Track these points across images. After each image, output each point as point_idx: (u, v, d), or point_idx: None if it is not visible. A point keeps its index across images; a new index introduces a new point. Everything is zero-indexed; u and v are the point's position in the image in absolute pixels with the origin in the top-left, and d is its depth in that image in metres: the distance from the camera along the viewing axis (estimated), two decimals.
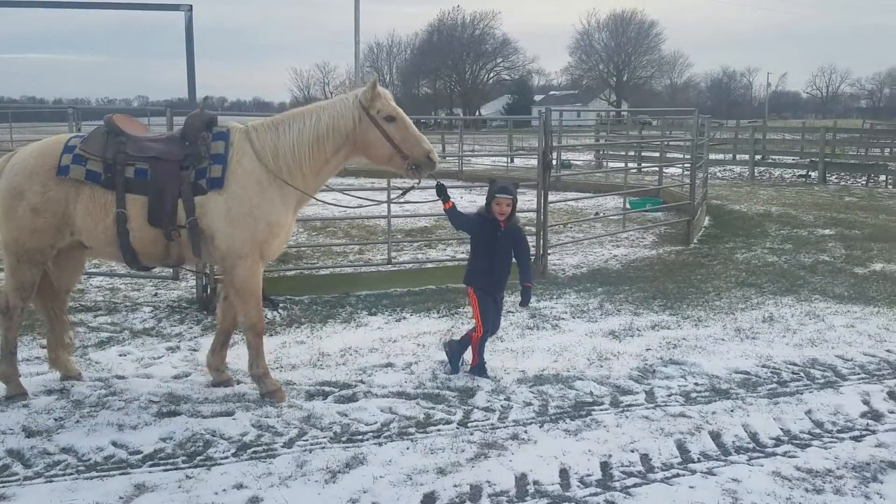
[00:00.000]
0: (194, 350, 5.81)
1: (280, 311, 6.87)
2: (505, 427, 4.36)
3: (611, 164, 22.27)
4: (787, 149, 28.66)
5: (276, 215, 4.74)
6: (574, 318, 6.80)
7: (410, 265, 8.89)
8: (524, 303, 5.38)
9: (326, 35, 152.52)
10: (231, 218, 4.61)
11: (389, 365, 5.41)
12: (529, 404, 4.71)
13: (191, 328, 6.43)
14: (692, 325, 6.60)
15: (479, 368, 5.23)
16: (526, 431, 4.30)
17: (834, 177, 22.85)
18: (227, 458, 3.98)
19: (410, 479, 3.72)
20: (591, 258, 9.81)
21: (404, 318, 6.75)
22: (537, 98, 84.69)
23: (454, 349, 5.31)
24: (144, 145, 4.68)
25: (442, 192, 5.28)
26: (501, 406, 4.68)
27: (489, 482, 3.69)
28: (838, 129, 28.31)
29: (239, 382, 5.06)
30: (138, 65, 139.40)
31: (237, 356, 5.33)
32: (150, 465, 3.91)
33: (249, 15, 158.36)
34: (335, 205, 6.02)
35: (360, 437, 4.22)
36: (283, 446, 4.11)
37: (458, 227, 5.47)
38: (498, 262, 5.24)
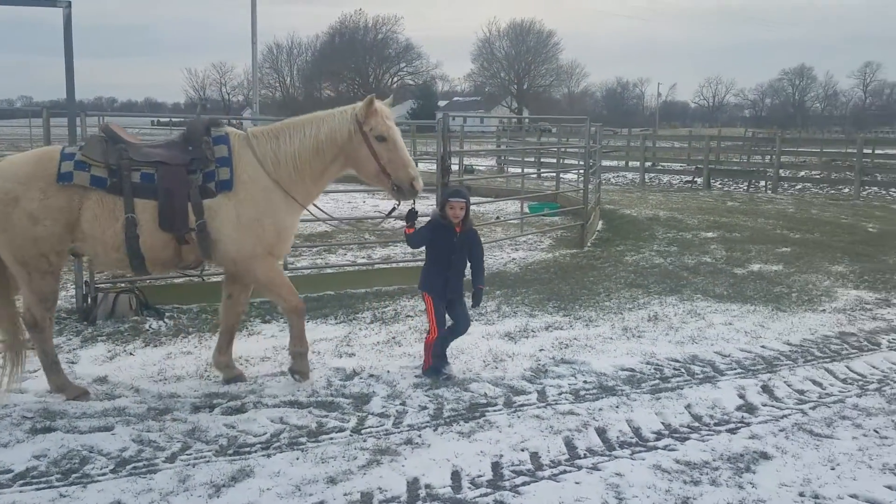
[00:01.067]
0: (73, 363, 5.49)
1: (166, 320, 6.60)
2: (399, 432, 4.35)
3: (511, 170, 22.70)
4: (676, 156, 30.13)
5: (283, 220, 4.91)
6: (472, 320, 6.85)
7: (309, 270, 8.74)
8: (475, 304, 5.44)
9: (223, 35, 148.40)
10: (240, 223, 4.74)
11: (282, 374, 5.29)
12: (425, 408, 4.71)
13: (69, 339, 6.07)
14: (583, 325, 6.80)
15: (432, 370, 5.27)
16: (420, 436, 4.30)
17: (718, 183, 24.14)
18: (104, 474, 3.78)
19: (299, 489, 3.64)
20: (490, 261, 9.94)
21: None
22: (441, 103, 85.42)
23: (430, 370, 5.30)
24: (147, 151, 4.76)
25: (411, 218, 5.29)
26: (397, 411, 4.66)
27: (381, 489, 3.66)
28: (722, 138, 30.03)
29: (119, 396, 4.82)
30: (18, 64, 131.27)
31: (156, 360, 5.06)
32: (22, 485, 3.67)
33: (141, 12, 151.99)
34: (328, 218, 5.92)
35: (247, 449, 4.10)
36: (165, 461, 3.94)
37: (416, 246, 5.48)
38: (455, 267, 5.30)
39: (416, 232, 5.32)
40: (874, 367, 5.69)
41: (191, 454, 4.02)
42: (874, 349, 6.15)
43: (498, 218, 13.86)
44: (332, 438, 4.25)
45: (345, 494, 3.59)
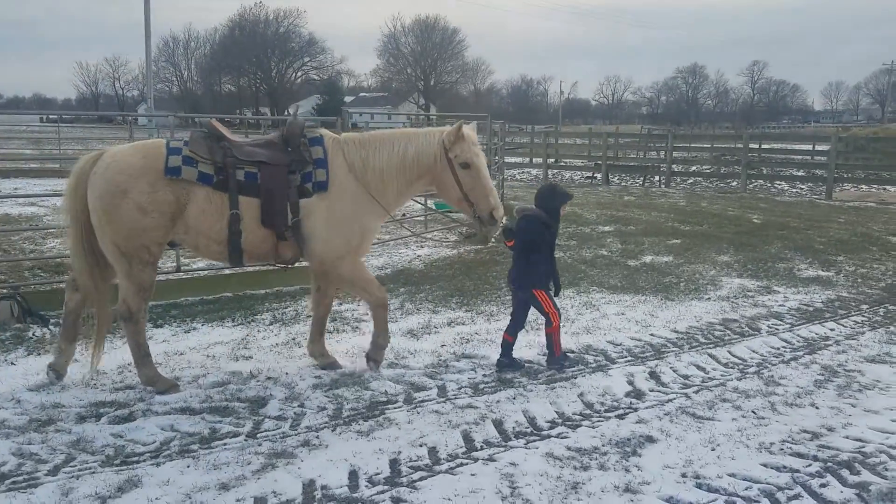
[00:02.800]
0: None
1: (51, 327, 6.26)
2: (297, 434, 4.29)
3: None
4: (577, 153, 30.98)
5: (368, 223, 5.15)
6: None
7: (205, 272, 8.49)
8: (557, 292, 5.71)
9: (116, 28, 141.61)
10: (332, 222, 4.97)
11: (175, 379, 5.12)
12: (324, 409, 4.67)
13: None
14: (485, 319, 6.91)
15: (563, 357, 5.59)
16: (318, 437, 4.26)
17: (616, 178, 25.03)
18: None
19: (189, 497, 3.54)
20: (395, 259, 9.96)
21: (195, 328, 6.43)
22: (348, 99, 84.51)
23: (562, 358, 5.58)
24: (249, 150, 4.91)
25: (509, 234, 5.56)
26: (294, 413, 4.60)
27: (275, 492, 3.61)
28: (620, 135, 31.15)
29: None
30: None
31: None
32: None
33: (28, 5, 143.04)
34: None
35: (135, 458, 3.95)
36: (47, 474, 3.75)
37: (534, 251, 5.50)
38: (553, 258, 5.67)
39: (522, 236, 5.46)
40: (754, 351, 6.05)
41: (75, 466, 3.84)
42: (755, 334, 6.53)
43: (404, 215, 13.85)
44: (225, 444, 4.15)
45: (237, 500, 3.52)
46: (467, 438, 4.29)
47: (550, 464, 3.99)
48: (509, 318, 5.77)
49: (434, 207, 13.99)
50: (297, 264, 5.34)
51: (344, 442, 4.19)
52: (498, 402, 4.87)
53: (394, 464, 3.94)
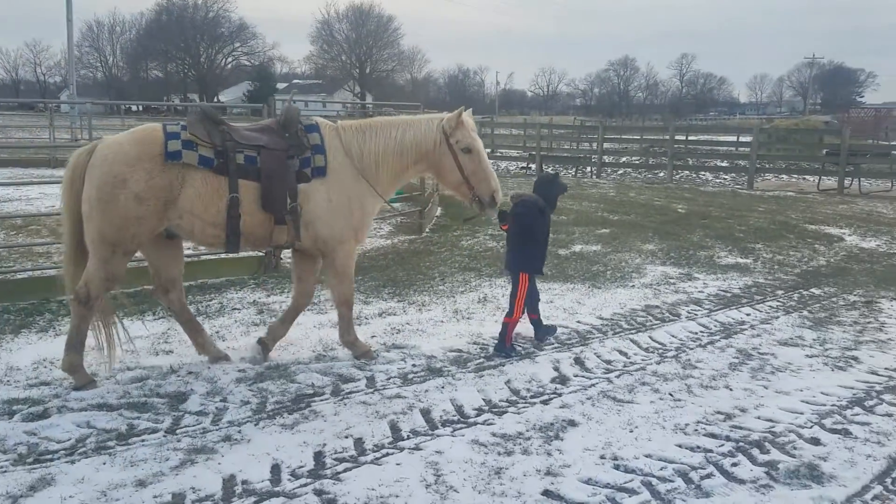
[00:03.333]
0: None
1: None
2: (218, 429, 4.22)
3: None
4: (513, 143, 31.27)
5: (367, 206, 5.26)
6: (303, 310, 6.77)
7: (131, 263, 8.22)
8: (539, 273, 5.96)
9: (36, 11, 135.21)
10: (332, 206, 5.06)
11: (92, 375, 4.96)
12: (247, 403, 4.61)
13: None
14: (416, 309, 6.93)
15: (511, 349, 5.70)
16: (240, 431, 4.19)
17: (550, 168, 25.35)
18: None
19: (105, 495, 3.45)
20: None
21: (114, 322, 6.21)
22: (281, 86, 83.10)
23: (507, 349, 5.67)
24: (248, 135, 4.96)
25: (504, 218, 5.78)
26: (216, 408, 4.52)
27: (194, 488, 3.55)
28: (554, 126, 31.55)
29: None
30: None
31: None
32: None
33: None
34: None
35: (49, 456, 3.82)
36: None
37: (528, 236, 5.73)
38: (546, 243, 5.93)
39: (518, 220, 5.68)
40: (674, 336, 6.25)
41: None
42: (675, 319, 6.74)
43: None
44: (143, 440, 4.05)
45: (154, 497, 3.45)
46: (394, 428, 4.30)
47: (475, 450, 4.04)
48: (434, 308, 5.81)
49: None
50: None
51: (267, 436, 4.14)
52: (426, 391, 4.90)
53: (318, 456, 3.92)
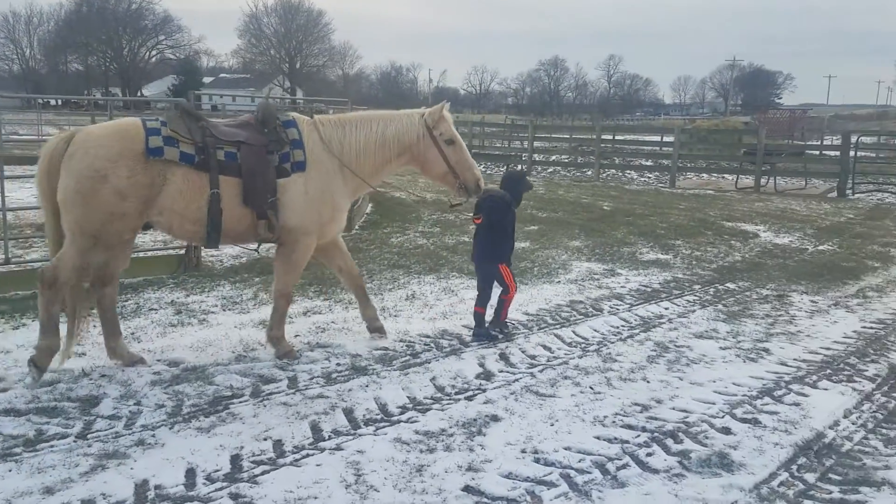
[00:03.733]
0: None
1: None
2: (131, 434, 4.07)
3: None
4: None
5: (340, 200, 5.37)
6: (225, 310, 6.63)
7: (38, 264, 7.86)
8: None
9: None
10: (308, 199, 5.12)
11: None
12: (162, 406, 4.46)
13: None
14: (343, 308, 6.86)
15: (504, 323, 6.20)
16: (154, 435, 4.06)
17: (482, 166, 25.47)
18: None
19: (9, 503, 3.29)
20: (252, 247, 9.65)
21: (24, 324, 5.93)
22: (207, 80, 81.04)
23: (504, 324, 6.19)
24: (227, 131, 4.99)
25: (479, 210, 6.00)
26: (130, 412, 4.36)
27: (104, 494, 3.42)
28: (486, 124, 31.79)
29: None
30: None
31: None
32: None
33: None
34: None
35: None
36: None
37: (499, 229, 6.05)
38: (513, 236, 6.24)
39: (489, 215, 5.95)
40: (596, 330, 6.38)
41: None
42: (597, 314, 6.89)
43: None
44: (52, 446, 3.88)
45: None
46: (315, 429, 4.25)
47: (398, 449, 4.02)
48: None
49: None
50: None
51: (182, 439, 4.02)
52: (350, 390, 4.85)
53: (235, 459, 3.83)
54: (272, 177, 4.98)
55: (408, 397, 4.78)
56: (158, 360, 5.20)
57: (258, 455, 3.89)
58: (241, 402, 4.58)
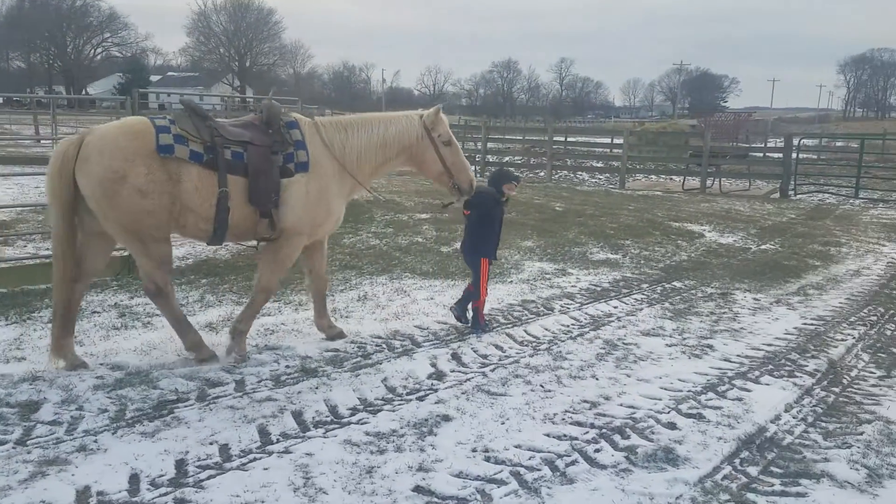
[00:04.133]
0: None
1: None
2: (72, 439, 3.96)
3: None
4: None
5: (336, 203, 5.49)
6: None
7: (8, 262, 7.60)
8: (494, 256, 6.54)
9: None
10: (308, 199, 5.22)
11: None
12: (105, 411, 4.34)
13: None
14: (292, 309, 6.78)
15: (486, 325, 6.34)
16: (96, 441, 3.95)
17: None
18: None
19: None
20: (199, 249, 9.46)
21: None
22: (154, 78, 79.29)
23: (482, 327, 6.29)
24: (233, 131, 5.07)
25: (469, 206, 6.18)
26: (71, 417, 4.24)
27: (44, 501, 3.32)
28: None
29: None
30: None
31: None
32: None
33: None
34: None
35: None
36: None
37: (478, 221, 6.28)
38: (499, 231, 6.42)
39: (477, 209, 6.19)
40: (547, 329, 6.44)
41: None
42: (548, 313, 6.96)
43: None
44: None
45: None
46: (263, 432, 4.19)
47: (348, 450, 4.00)
48: (311, 307, 5.92)
49: None
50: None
51: (126, 445, 3.92)
52: (299, 392, 4.80)
53: (180, 464, 3.75)
54: (276, 177, 5.08)
55: (358, 398, 4.75)
56: (101, 364, 5.07)
57: (204, 460, 3.82)
58: (186, 407, 4.49)
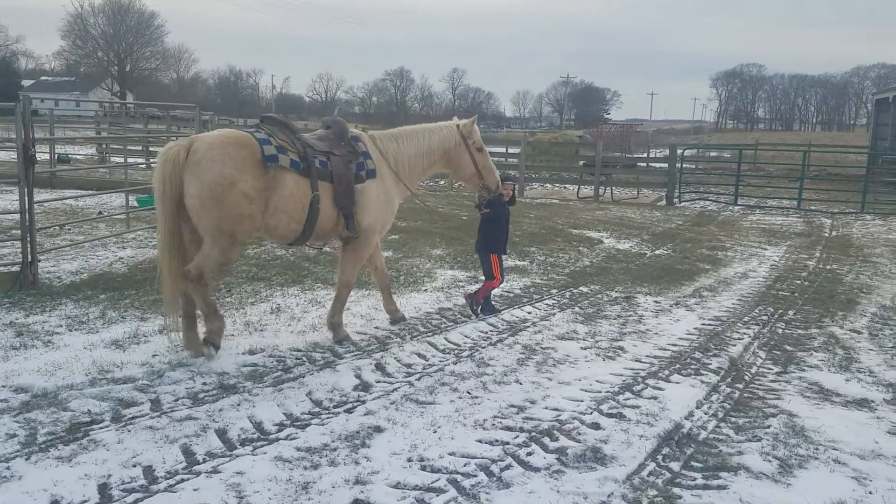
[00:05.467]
0: None
1: None
2: None
3: (115, 159, 20.79)
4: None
5: (396, 203, 6.39)
6: (71, 330, 6.10)
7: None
8: (504, 251, 7.49)
9: None
10: (378, 203, 6.05)
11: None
12: (13, 436, 4.04)
13: None
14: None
15: (489, 308, 7.29)
16: (9, 468, 3.68)
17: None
18: None
19: None
20: (93, 262, 8.96)
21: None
22: (26, 83, 74.28)
23: (478, 302, 7.23)
24: (317, 143, 5.76)
25: (490, 205, 7.04)
26: None
27: None
28: None
29: None
30: None
31: None
32: None
33: None
34: None
35: None
36: None
37: (497, 223, 7.24)
38: (507, 229, 7.40)
39: (493, 208, 7.08)
40: (466, 336, 6.52)
41: None
42: (466, 321, 7.03)
43: (101, 213, 12.57)
44: None
45: None
46: (187, 452, 4.01)
47: (280, 467, 3.89)
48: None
49: (137, 204, 12.91)
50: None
51: (42, 471, 3.67)
52: (221, 410, 4.63)
53: (103, 489, 3.54)
54: (353, 182, 5.80)
55: (284, 414, 4.63)
56: (3, 387, 4.70)
57: (129, 483, 3.62)
58: (102, 429, 4.23)
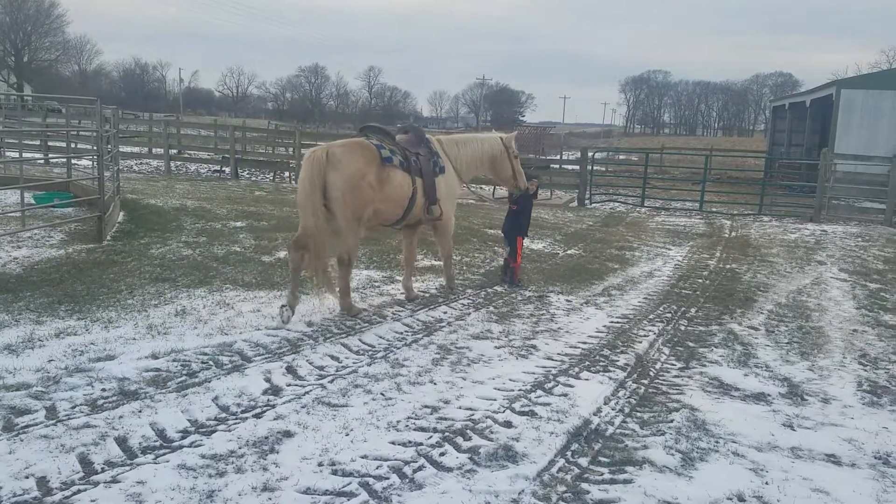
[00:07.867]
0: None
1: None
2: None
3: (10, 154, 19.60)
4: (202, 144, 29.81)
5: (457, 194, 8.17)
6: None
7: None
8: (526, 234, 9.38)
9: None
10: (448, 193, 7.72)
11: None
12: None
13: None
14: (102, 327, 6.22)
15: (520, 283, 9.02)
16: None
17: (245, 172, 24.71)
18: None
19: None
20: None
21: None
22: None
23: (516, 283, 8.99)
24: (405, 146, 7.34)
25: (517, 201, 9.02)
26: None
27: None
28: (247, 129, 30.72)
29: None
30: None
31: None
32: None
33: None
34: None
35: None
36: None
37: (522, 212, 9.12)
38: (530, 217, 9.32)
39: (520, 201, 9.01)
40: (381, 337, 6.46)
41: None
42: (381, 321, 6.98)
43: None
44: None
45: None
46: (85, 462, 3.81)
47: (183, 475, 3.75)
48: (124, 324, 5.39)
49: (34, 202, 12.21)
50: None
51: None
52: (121, 417, 4.42)
53: None
54: (433, 177, 7.37)
55: (188, 420, 4.47)
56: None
57: (21, 495, 3.42)
58: None
